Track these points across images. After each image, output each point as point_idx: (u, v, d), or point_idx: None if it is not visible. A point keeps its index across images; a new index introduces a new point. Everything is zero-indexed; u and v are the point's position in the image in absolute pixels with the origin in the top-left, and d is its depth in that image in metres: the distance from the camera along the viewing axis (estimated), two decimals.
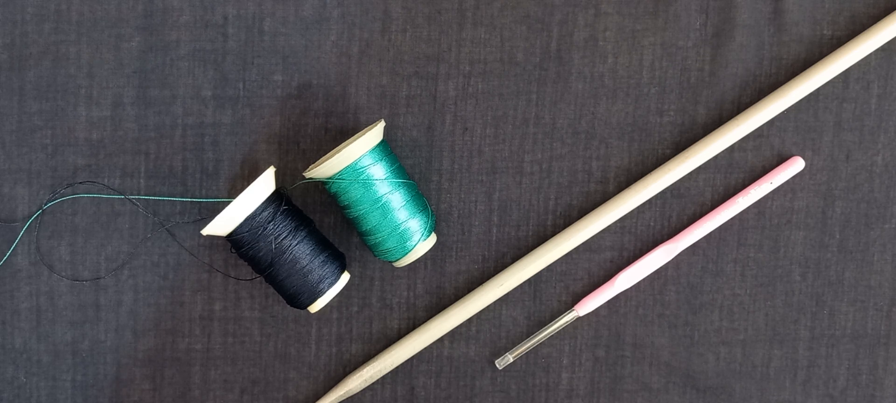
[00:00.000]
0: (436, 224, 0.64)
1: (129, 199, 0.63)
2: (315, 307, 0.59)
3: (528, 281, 0.65)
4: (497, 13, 0.62)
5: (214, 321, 0.64)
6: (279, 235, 0.57)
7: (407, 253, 0.60)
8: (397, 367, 0.65)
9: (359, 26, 0.62)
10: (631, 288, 0.65)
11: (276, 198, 0.58)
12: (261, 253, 0.58)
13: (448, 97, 0.63)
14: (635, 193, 0.63)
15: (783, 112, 0.64)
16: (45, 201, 0.62)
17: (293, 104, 0.62)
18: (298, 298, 0.59)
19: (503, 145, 0.64)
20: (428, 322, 0.64)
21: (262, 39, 0.62)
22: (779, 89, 0.63)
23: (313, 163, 0.63)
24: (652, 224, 0.65)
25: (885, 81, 0.64)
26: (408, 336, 0.64)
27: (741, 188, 0.65)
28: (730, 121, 0.63)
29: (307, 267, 0.58)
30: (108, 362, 0.64)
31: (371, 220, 0.59)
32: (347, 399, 0.65)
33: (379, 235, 0.59)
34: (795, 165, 0.64)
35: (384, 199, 0.58)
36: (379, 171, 0.58)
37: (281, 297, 0.63)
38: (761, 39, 0.64)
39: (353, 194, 0.58)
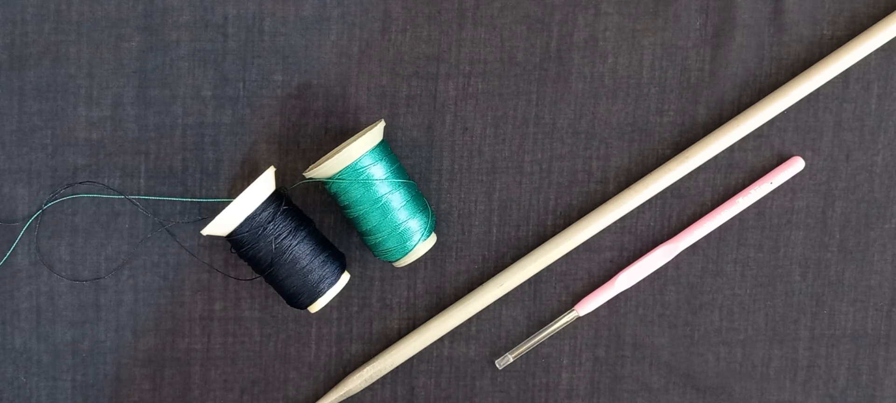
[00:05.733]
0: (436, 224, 0.64)
1: (129, 199, 0.63)
2: (315, 307, 0.59)
3: (528, 281, 0.65)
4: (497, 13, 0.62)
5: (214, 321, 0.64)
6: (279, 235, 0.57)
7: (407, 253, 0.60)
8: (397, 367, 0.65)
9: (359, 26, 0.62)
10: (631, 288, 0.65)
11: (276, 198, 0.58)
12: (261, 253, 0.58)
13: (448, 97, 0.63)
14: (635, 193, 0.63)
15: (783, 112, 0.64)
16: (45, 201, 0.62)
17: (293, 104, 0.62)
18: (298, 298, 0.59)
19: (503, 145, 0.64)
20: (428, 322, 0.64)
21: (262, 39, 0.62)
22: (779, 89, 0.63)
23: (313, 163, 0.63)
24: (652, 224, 0.65)
25: (885, 81, 0.65)
26: (408, 337, 0.64)
27: (741, 188, 0.65)
28: (730, 121, 0.63)
29: (307, 267, 0.58)
30: (108, 362, 0.64)
31: (371, 220, 0.59)
32: (347, 399, 0.65)
33: (379, 235, 0.59)
34: (795, 165, 0.64)
35: (384, 199, 0.58)
36: (379, 171, 0.58)
37: (281, 297, 0.63)
38: (761, 39, 0.64)
39: (353, 194, 0.58)
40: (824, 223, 0.65)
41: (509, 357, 0.65)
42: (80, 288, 0.63)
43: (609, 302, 0.65)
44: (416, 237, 0.59)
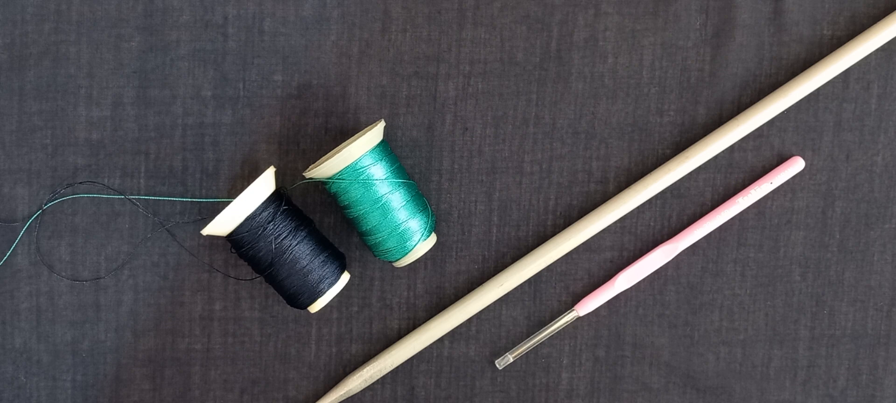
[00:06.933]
0: (436, 224, 0.64)
1: (129, 199, 0.63)
2: (315, 307, 0.59)
3: (528, 281, 0.65)
4: (497, 13, 0.62)
5: (214, 321, 0.64)
6: (279, 235, 0.57)
7: (407, 253, 0.60)
8: (397, 367, 0.65)
9: (359, 26, 0.62)
10: (631, 288, 0.65)
11: (276, 198, 0.58)
12: (261, 253, 0.58)
13: (448, 97, 0.63)
14: (635, 193, 0.63)
15: (783, 112, 0.64)
16: (45, 201, 0.62)
17: (293, 104, 0.62)
18: (298, 298, 0.59)
19: (503, 145, 0.64)
20: (428, 322, 0.64)
21: (262, 39, 0.62)
22: (779, 89, 0.63)
23: (313, 163, 0.63)
24: (652, 224, 0.65)
25: (885, 81, 0.65)
26: (408, 336, 0.64)
27: (741, 188, 0.65)
28: (730, 121, 0.63)
29: (307, 267, 0.58)
30: (108, 362, 0.64)
31: (371, 220, 0.59)
32: (347, 399, 0.65)
33: (379, 235, 0.59)
34: (795, 165, 0.64)
35: (384, 199, 0.58)
36: (379, 171, 0.58)
37: (281, 297, 0.63)
38: (761, 39, 0.64)
39: (353, 194, 0.58)
40: (824, 223, 0.65)
41: (509, 357, 0.65)
42: (80, 288, 0.63)
43: (609, 302, 0.65)
44: (416, 237, 0.59)
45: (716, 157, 0.64)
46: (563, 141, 0.64)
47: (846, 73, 0.64)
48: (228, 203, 0.59)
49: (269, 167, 0.61)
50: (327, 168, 0.57)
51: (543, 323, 0.65)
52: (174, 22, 0.61)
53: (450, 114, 0.63)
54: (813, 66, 0.63)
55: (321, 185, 0.63)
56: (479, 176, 0.64)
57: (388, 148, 0.59)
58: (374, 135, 0.58)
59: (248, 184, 0.63)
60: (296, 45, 0.62)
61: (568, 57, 0.63)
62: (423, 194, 0.62)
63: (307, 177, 0.59)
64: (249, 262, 0.59)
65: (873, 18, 0.64)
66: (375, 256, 0.61)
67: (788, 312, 0.66)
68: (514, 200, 0.64)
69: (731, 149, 0.64)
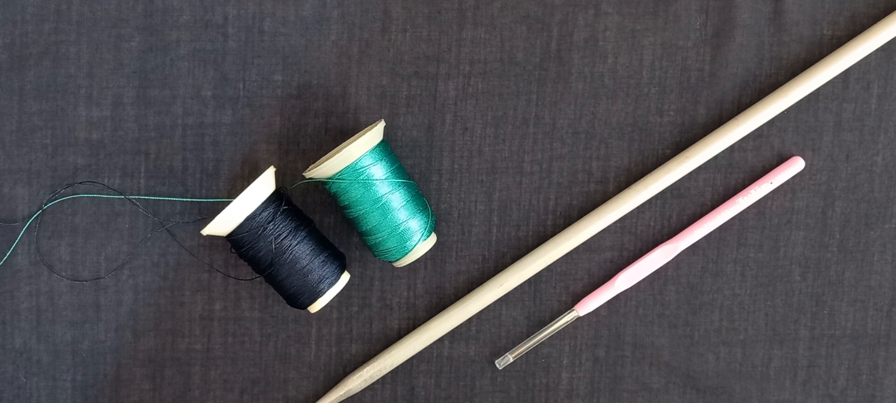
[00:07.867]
0: (436, 224, 0.64)
1: (129, 199, 0.63)
2: (315, 307, 0.59)
3: (528, 281, 0.65)
4: (497, 13, 0.62)
5: (214, 321, 0.64)
6: (279, 235, 0.57)
7: (407, 253, 0.60)
8: (397, 367, 0.65)
9: (359, 26, 0.62)
10: (631, 288, 0.65)
11: (276, 198, 0.58)
12: (261, 253, 0.58)
13: (448, 97, 0.63)
14: (635, 193, 0.63)
15: (783, 112, 0.64)
16: (45, 201, 0.62)
17: (293, 104, 0.62)
18: (298, 298, 0.59)
19: (503, 145, 0.64)
20: (428, 322, 0.64)
21: (262, 39, 0.62)
22: (779, 89, 0.63)
23: (313, 163, 0.63)
24: (652, 224, 0.65)
25: (885, 81, 0.65)
26: (408, 336, 0.64)
27: (741, 188, 0.65)
28: (730, 121, 0.63)
29: (307, 267, 0.58)
30: (108, 362, 0.64)
31: (371, 220, 0.59)
32: (347, 399, 0.65)
33: (379, 235, 0.59)
34: (795, 165, 0.64)
35: (384, 199, 0.58)
36: (379, 171, 0.58)
37: (281, 297, 0.63)
38: (761, 39, 0.64)
39: (353, 194, 0.58)
40: (824, 223, 0.65)
41: (509, 357, 0.65)
42: (80, 288, 0.63)
43: (609, 302, 0.65)
44: (416, 237, 0.59)
45: (716, 157, 0.64)
46: (563, 141, 0.64)
47: (846, 73, 0.64)
48: (228, 203, 0.59)
49: (269, 167, 0.61)
50: (327, 168, 0.57)
51: (543, 323, 0.65)
52: (174, 22, 0.61)
53: (450, 114, 0.63)
54: (813, 66, 0.63)
55: (321, 185, 0.63)
56: (479, 176, 0.64)
57: (388, 148, 0.59)
58: (374, 135, 0.58)
59: (248, 184, 0.63)
60: (296, 45, 0.62)
61: (568, 57, 0.63)
62: (423, 194, 0.62)
63: (307, 177, 0.59)
64: (249, 262, 0.59)
65: (873, 18, 0.64)
66: (375, 256, 0.61)
67: (788, 312, 0.66)
68: (514, 200, 0.64)
69: (731, 149, 0.64)
